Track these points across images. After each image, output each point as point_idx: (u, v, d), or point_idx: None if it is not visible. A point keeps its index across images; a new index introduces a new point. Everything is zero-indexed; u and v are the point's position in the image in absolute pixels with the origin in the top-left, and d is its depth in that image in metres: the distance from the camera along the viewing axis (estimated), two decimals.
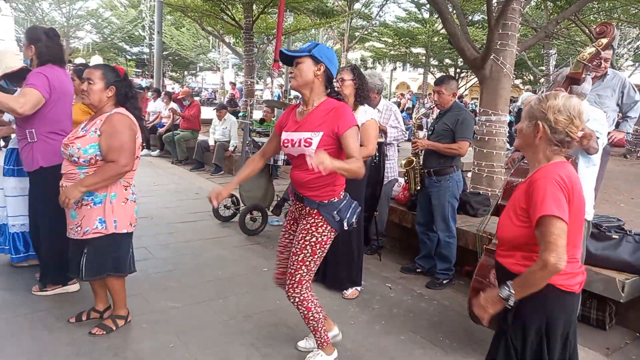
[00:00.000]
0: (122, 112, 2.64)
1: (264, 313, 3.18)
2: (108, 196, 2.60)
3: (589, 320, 3.27)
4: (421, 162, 3.93)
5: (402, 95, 21.75)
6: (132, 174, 2.71)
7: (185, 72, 36.18)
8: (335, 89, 3.48)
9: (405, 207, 4.56)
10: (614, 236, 3.20)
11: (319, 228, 2.40)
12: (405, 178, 4.18)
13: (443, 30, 21.60)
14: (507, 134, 5.49)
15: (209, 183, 7.43)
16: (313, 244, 2.39)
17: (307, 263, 2.41)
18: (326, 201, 2.39)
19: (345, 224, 2.40)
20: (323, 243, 2.42)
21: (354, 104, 3.48)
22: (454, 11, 6.29)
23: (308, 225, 2.41)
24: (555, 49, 19.23)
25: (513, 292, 1.69)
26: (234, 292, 3.48)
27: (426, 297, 3.62)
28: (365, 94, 3.52)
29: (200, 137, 9.09)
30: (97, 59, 24.25)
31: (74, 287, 3.28)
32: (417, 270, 4.07)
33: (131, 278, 3.13)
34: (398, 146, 4.61)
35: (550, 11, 12.73)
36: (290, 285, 2.44)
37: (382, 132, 4.19)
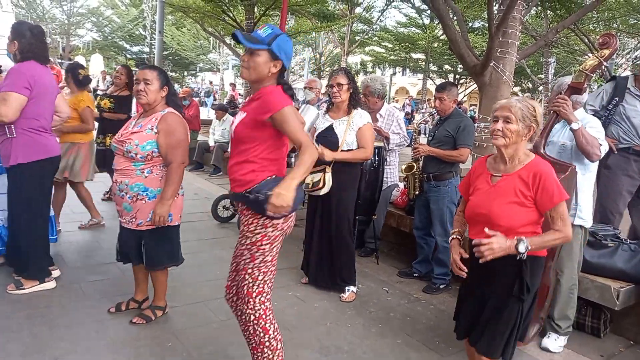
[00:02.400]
0: (174, 111, 2.76)
1: None
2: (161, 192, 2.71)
3: (584, 328, 3.29)
4: (420, 168, 3.96)
5: (403, 108, 21.73)
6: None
7: (185, 73, 36.16)
8: (331, 94, 3.53)
9: (404, 212, 4.58)
10: (609, 244, 3.22)
11: (250, 226, 2.09)
12: (405, 183, 4.21)
13: (443, 37, 21.71)
14: None
15: (208, 184, 7.45)
16: (249, 247, 2.09)
17: (250, 271, 2.10)
18: (244, 191, 2.07)
19: (260, 197, 1.99)
20: (259, 244, 2.08)
21: (348, 107, 3.53)
22: (455, 18, 6.34)
23: (241, 227, 2.15)
24: (554, 57, 19.37)
25: (530, 248, 1.91)
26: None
27: (423, 302, 3.64)
28: (358, 97, 3.59)
29: (200, 137, 9.11)
30: (97, 58, 24.31)
31: (50, 284, 3.28)
32: (414, 274, 4.09)
33: (130, 278, 3.16)
34: (399, 152, 4.64)
35: (550, 20, 12.80)
36: (242, 301, 2.13)
37: (385, 139, 4.22)
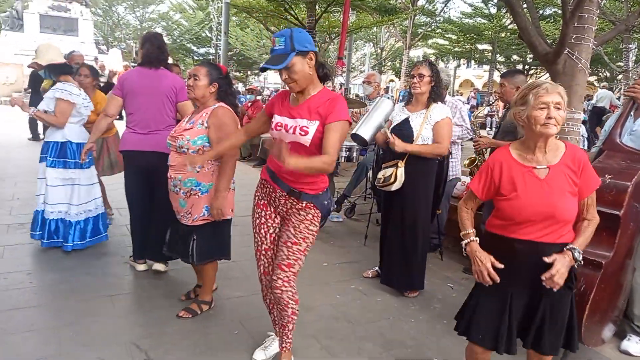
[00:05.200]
0: (224, 105, 2.81)
1: (324, 306, 3.23)
2: (213, 186, 2.78)
3: None
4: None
5: (468, 101, 20.96)
6: None
7: (249, 72, 37.11)
8: (411, 84, 3.43)
9: (481, 211, 4.42)
10: None
11: (315, 218, 2.33)
12: (470, 177, 4.08)
13: (511, 26, 20.80)
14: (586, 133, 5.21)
15: None
16: (314, 233, 2.34)
17: (306, 253, 2.34)
18: (320, 193, 2.31)
19: (330, 208, 2.39)
20: (316, 231, 2.37)
21: (428, 100, 3.37)
22: (525, 5, 6.03)
23: (310, 216, 2.31)
24: (635, 43, 17.95)
25: (581, 252, 1.84)
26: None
27: None
28: (439, 91, 3.40)
29: (263, 135, 9.30)
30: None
31: (141, 266, 3.62)
32: None
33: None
34: (462, 145, 4.50)
35: (631, 3, 11.89)
36: (287, 278, 2.31)
37: None
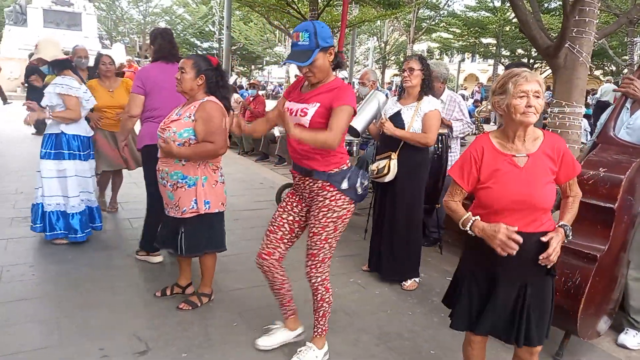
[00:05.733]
0: (213, 99, 2.80)
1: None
2: (200, 179, 2.80)
3: None
4: None
5: (472, 95, 20.80)
6: (219, 158, 2.91)
7: (252, 67, 37.09)
8: (402, 78, 3.49)
9: (469, 201, 4.44)
10: None
11: (338, 201, 2.33)
12: None
13: (515, 19, 20.65)
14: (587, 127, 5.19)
15: (273, 174, 7.65)
16: (335, 219, 2.35)
17: (330, 240, 2.39)
18: (336, 169, 2.33)
19: (358, 189, 2.36)
20: (344, 217, 2.37)
21: (419, 94, 3.45)
22: None
23: (327, 201, 2.34)
24: None
25: (571, 228, 1.89)
26: (295, 277, 3.52)
27: None
28: (430, 84, 3.49)
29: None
30: None
31: (156, 258, 3.68)
32: None
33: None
34: (463, 139, 4.49)
35: None
36: (313, 266, 2.43)
37: (448, 127, 4.11)
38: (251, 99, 9.41)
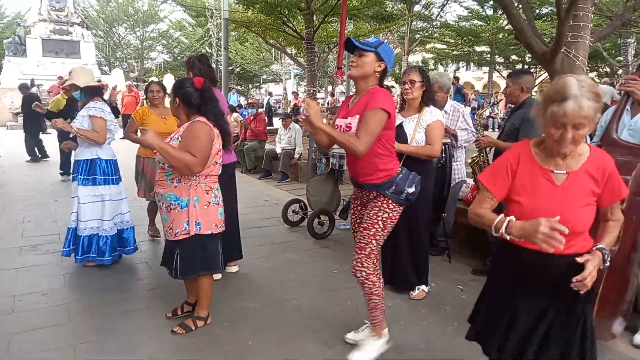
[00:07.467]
0: (202, 120, 2.80)
1: (336, 313, 3.26)
2: (191, 200, 2.79)
3: None
4: (489, 160, 3.84)
5: (469, 103, 20.78)
6: (214, 179, 2.91)
7: (250, 85, 37.35)
8: (403, 90, 3.54)
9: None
10: None
11: (390, 205, 2.57)
12: (474, 178, 4.12)
13: (508, 26, 20.84)
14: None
15: (277, 190, 7.66)
16: (385, 219, 2.56)
17: (378, 237, 2.56)
18: (383, 182, 2.54)
19: (405, 195, 2.56)
20: (393, 218, 2.59)
21: (420, 104, 3.48)
22: (520, 5, 6.10)
23: (379, 204, 2.57)
24: (634, 37, 17.95)
25: (608, 251, 1.72)
26: (306, 293, 3.58)
27: None
28: (431, 95, 3.52)
29: (267, 146, 9.39)
30: (169, 78, 25.76)
31: (217, 275, 3.59)
32: None
33: None
34: (464, 147, 4.53)
35: None
36: (359, 260, 2.57)
37: (453, 136, 4.13)
38: (252, 117, 9.48)
